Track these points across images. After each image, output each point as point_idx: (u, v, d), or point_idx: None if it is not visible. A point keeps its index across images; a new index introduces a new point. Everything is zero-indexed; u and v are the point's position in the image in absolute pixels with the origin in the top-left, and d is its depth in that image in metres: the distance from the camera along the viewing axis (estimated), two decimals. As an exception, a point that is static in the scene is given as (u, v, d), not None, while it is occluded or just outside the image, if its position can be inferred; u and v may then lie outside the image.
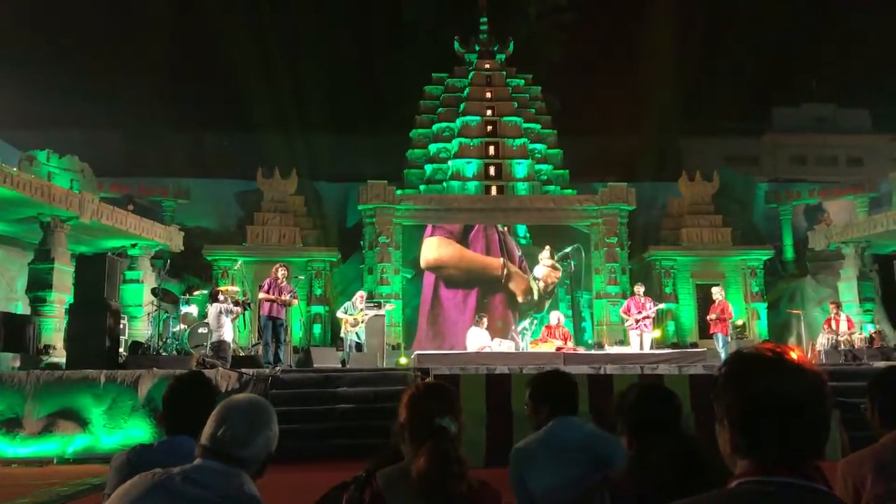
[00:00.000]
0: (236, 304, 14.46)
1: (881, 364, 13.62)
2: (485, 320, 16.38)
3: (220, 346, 13.21)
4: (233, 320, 13.93)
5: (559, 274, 15.25)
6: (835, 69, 38.49)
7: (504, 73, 25.57)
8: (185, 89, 34.52)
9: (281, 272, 14.43)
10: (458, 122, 24.23)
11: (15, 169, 16.62)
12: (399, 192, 22.67)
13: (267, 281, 14.30)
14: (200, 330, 15.07)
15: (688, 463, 2.43)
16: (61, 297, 16.28)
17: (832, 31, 38.76)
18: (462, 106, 24.56)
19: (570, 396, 3.48)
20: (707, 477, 1.58)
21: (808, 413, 1.50)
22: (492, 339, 15.94)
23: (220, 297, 14.17)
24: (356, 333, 16.26)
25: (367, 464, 2.34)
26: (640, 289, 16.80)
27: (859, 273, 21.32)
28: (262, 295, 14.23)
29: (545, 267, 14.49)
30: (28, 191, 15.76)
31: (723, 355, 15.24)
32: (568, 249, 20.90)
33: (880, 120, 37.71)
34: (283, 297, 14.09)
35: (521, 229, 22.72)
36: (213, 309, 13.71)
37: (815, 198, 27.63)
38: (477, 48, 26.04)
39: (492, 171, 23.61)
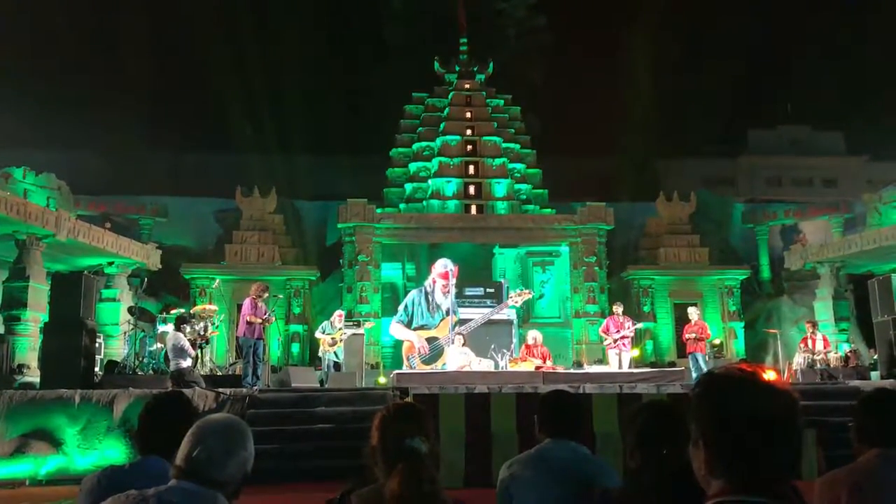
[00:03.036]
0: (202, 336, 14.30)
1: (856, 382, 13.75)
2: (460, 339, 16.36)
3: (180, 374, 12.73)
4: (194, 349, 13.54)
5: (530, 293, 15.42)
6: (810, 92, 39.08)
7: (484, 93, 25.74)
8: (163, 108, 34.45)
9: (266, 295, 14.07)
10: (438, 141, 24.33)
11: (-10, 186, 16.47)
12: (379, 210, 22.69)
13: (249, 302, 13.82)
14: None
15: (688, 486, 2.43)
16: (36, 316, 16.08)
17: (807, 56, 39.38)
18: (442, 125, 24.66)
19: (568, 419, 3.45)
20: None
21: (780, 432, 1.51)
22: (471, 357, 15.90)
23: (194, 324, 14.00)
24: (334, 353, 16.16)
25: (343, 486, 2.34)
26: (618, 308, 16.85)
27: (834, 293, 21.54)
28: (250, 318, 13.69)
29: (518, 297, 14.70)
30: (3, 208, 15.58)
31: (705, 374, 15.27)
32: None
33: (854, 142, 38.30)
34: (271, 320, 13.74)
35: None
36: (170, 339, 13.33)
37: (790, 218, 27.97)
38: (457, 68, 26.24)
39: (471, 190, 23.70)
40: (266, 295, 14.03)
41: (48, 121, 29.08)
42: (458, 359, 15.53)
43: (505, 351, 15.50)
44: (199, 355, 14.92)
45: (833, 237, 24.63)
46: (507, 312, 17.78)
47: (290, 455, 10.30)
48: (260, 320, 13.54)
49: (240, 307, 14.12)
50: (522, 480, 3.23)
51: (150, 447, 2.88)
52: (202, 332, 14.47)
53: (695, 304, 18.61)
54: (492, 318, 15.67)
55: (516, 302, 14.85)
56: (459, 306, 15.77)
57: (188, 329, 13.73)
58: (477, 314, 16.90)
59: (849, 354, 17.94)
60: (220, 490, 2.24)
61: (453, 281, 13.85)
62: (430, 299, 13.81)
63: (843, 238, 22.61)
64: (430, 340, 13.80)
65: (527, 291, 14.91)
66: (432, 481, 2.20)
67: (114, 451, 10.96)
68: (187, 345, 13.04)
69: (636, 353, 18.45)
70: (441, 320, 13.84)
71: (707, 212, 26.82)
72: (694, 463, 1.61)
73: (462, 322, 14.29)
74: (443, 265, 13.87)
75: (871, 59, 35.32)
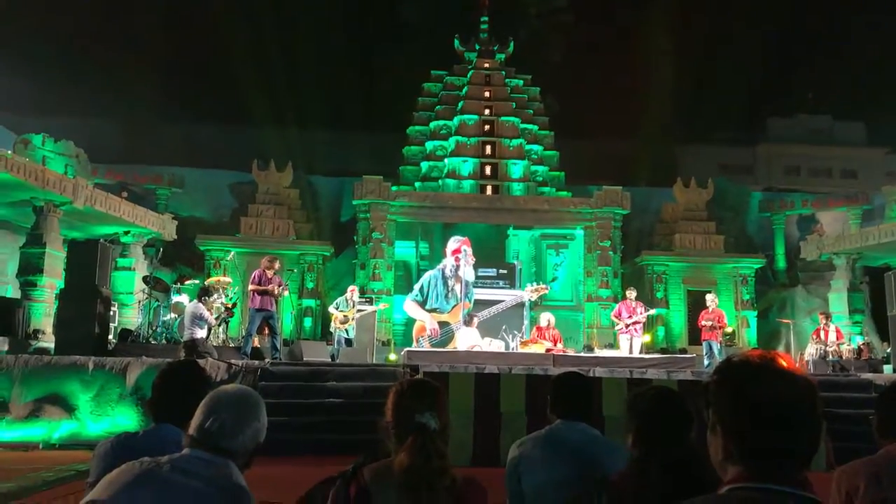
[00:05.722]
0: (228, 310, 14.35)
1: (868, 375, 13.67)
2: (475, 320, 16.37)
3: (193, 344, 12.68)
4: (208, 326, 13.49)
5: (547, 288, 15.42)
6: (832, 81, 38.66)
7: (503, 73, 25.58)
8: (182, 79, 34.48)
9: (276, 265, 14.08)
10: (456, 120, 24.23)
11: (9, 152, 16.56)
12: (394, 188, 22.67)
13: (257, 273, 13.84)
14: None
15: (690, 476, 2.43)
16: (52, 282, 16.22)
17: (830, 44, 38.91)
18: (460, 104, 24.55)
19: (580, 401, 3.45)
20: (707, 492, 1.58)
21: (800, 419, 1.50)
22: (482, 338, 15.92)
23: (214, 296, 14.00)
24: (346, 330, 16.18)
25: (355, 459, 2.35)
26: (631, 293, 16.79)
27: (850, 285, 21.41)
28: (252, 287, 13.77)
29: (534, 293, 14.70)
30: (22, 174, 15.68)
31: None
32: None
33: (875, 133, 37.87)
34: (275, 290, 13.64)
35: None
36: (190, 307, 13.32)
37: (808, 208, 27.76)
38: (477, 47, 26.05)
39: (487, 170, 23.62)
40: (277, 266, 14.07)
41: (68, 89, 29.18)
42: (469, 338, 15.57)
43: (516, 332, 15.52)
44: (222, 327, 15.00)
45: (851, 229, 24.43)
46: (520, 294, 17.78)
47: (300, 428, 10.37)
48: (263, 287, 13.44)
49: (252, 280, 14.05)
50: (532, 460, 3.23)
51: (163, 415, 2.89)
52: (228, 306, 14.51)
53: (710, 292, 18.49)
54: (502, 299, 15.71)
55: (531, 297, 14.86)
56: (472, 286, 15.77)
57: (211, 301, 13.74)
58: (489, 294, 16.92)
59: (862, 347, 17.83)
60: (232, 459, 2.25)
61: (469, 250, 13.85)
62: (449, 284, 13.83)
63: (861, 230, 22.44)
64: (441, 325, 13.84)
65: (543, 287, 14.89)
66: (441, 457, 2.21)
67: (125, 419, 11.07)
68: (207, 314, 13.07)
69: (647, 338, 18.41)
70: (454, 306, 13.87)
71: (724, 199, 26.66)
72: (711, 449, 1.60)
73: (477, 306, 14.30)
74: (455, 240, 13.94)
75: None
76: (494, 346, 15.16)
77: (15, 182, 15.71)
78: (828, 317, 18.04)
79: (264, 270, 13.67)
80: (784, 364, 1.54)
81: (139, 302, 16.55)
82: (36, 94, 26.52)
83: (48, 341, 15.04)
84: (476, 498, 2.31)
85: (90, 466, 2.81)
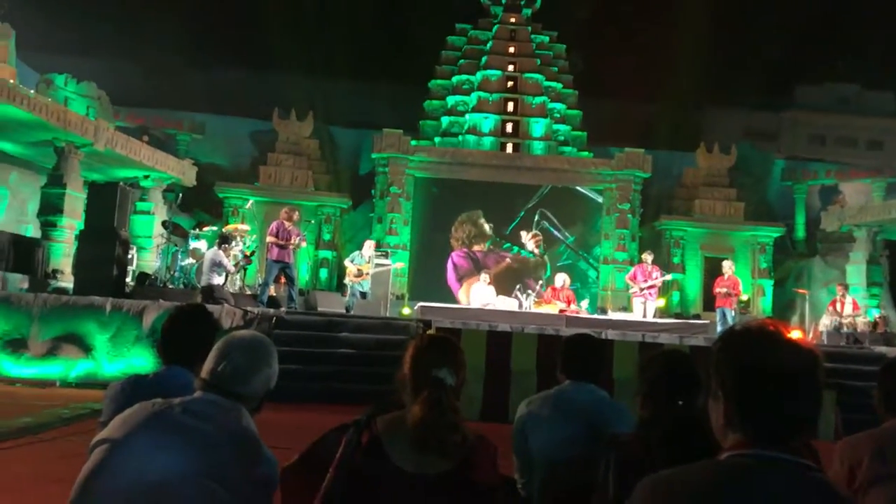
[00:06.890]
0: (246, 258, 14.40)
1: (882, 349, 13.62)
2: (489, 276, 16.39)
3: (210, 290, 12.66)
4: (226, 273, 13.48)
5: (540, 238, 15.36)
6: (862, 49, 37.85)
7: (529, 28, 25.24)
8: (206, 24, 34.21)
9: (296, 216, 14.07)
10: (479, 75, 23.99)
11: (32, 91, 16.58)
12: (414, 142, 22.56)
13: (275, 224, 13.84)
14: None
15: (696, 440, 2.45)
16: (72, 223, 16.38)
17: (862, 11, 38.02)
18: (484, 59, 24.29)
19: (590, 362, 3.47)
20: (714, 454, 1.60)
21: (800, 388, 1.51)
22: (496, 296, 15.98)
23: (232, 244, 14.03)
24: (360, 284, 16.22)
25: (368, 408, 2.37)
26: (648, 257, 16.69)
27: (869, 257, 21.25)
28: (270, 239, 13.76)
29: (530, 241, 14.67)
30: (44, 114, 15.73)
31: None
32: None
33: (905, 104, 37.16)
34: (293, 242, 13.63)
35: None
36: (209, 253, 13.36)
37: (831, 178, 27.45)
38: (503, 1, 25.65)
39: (509, 128, 23.44)
40: (296, 217, 14.08)
41: (92, 29, 29.07)
42: (483, 296, 15.62)
43: (530, 291, 15.55)
44: (239, 274, 15.09)
45: (873, 201, 24.15)
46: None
47: (312, 376, 10.49)
48: (281, 242, 13.46)
49: (270, 232, 14.05)
50: (540, 419, 3.27)
51: (172, 357, 2.94)
52: (246, 254, 14.56)
53: (727, 258, 18.39)
54: (520, 258, 15.73)
55: (531, 245, 14.79)
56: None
57: (230, 248, 13.78)
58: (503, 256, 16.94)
59: (878, 320, 17.76)
60: (243, 404, 2.29)
61: None
62: None
63: (884, 202, 22.19)
64: None
65: (537, 235, 14.79)
66: (454, 411, 2.24)
67: (141, 360, 11.22)
68: (226, 261, 13.11)
69: (662, 303, 18.37)
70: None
71: (746, 166, 26.39)
72: (712, 415, 1.61)
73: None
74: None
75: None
76: (508, 304, 15.21)
77: (37, 122, 15.77)
78: (845, 288, 17.91)
79: (283, 222, 13.67)
80: (788, 334, 1.54)
81: (157, 246, 16.69)
82: (60, 33, 26.44)
83: (67, 281, 15.23)
84: (486, 454, 2.33)
85: (103, 406, 2.87)
